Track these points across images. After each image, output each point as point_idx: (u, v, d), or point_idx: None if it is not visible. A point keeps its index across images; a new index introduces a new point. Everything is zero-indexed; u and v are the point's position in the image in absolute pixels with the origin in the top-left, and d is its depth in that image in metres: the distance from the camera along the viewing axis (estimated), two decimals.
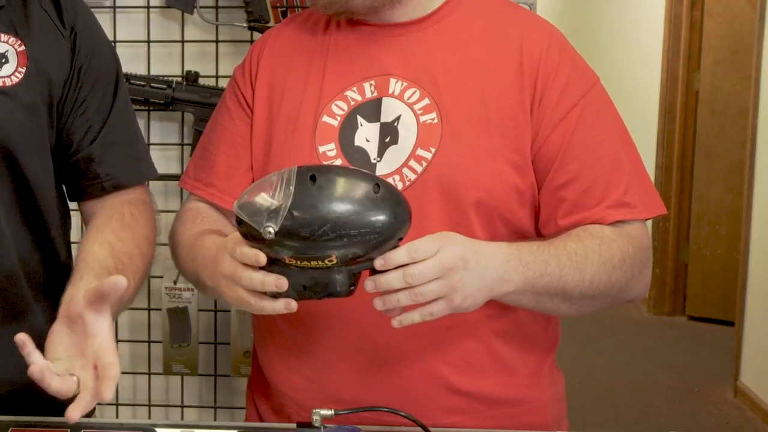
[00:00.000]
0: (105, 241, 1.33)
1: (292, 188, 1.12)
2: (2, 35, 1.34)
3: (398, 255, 1.17)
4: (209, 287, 1.32)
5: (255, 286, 1.19)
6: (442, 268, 1.18)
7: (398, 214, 1.16)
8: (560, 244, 1.31)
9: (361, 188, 1.14)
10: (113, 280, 1.13)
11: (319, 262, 1.15)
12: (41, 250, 1.41)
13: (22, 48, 1.34)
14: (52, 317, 1.32)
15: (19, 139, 1.33)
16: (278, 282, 1.16)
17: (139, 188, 1.47)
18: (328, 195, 1.13)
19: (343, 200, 1.13)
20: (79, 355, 1.15)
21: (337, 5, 1.37)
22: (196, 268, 1.36)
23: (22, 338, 1.12)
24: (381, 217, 1.14)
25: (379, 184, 1.15)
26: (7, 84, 1.32)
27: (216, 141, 1.49)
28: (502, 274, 1.24)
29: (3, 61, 1.33)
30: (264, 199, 1.13)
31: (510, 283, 1.25)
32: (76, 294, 1.19)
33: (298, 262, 1.15)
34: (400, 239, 1.18)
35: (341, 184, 1.14)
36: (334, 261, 1.14)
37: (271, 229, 1.12)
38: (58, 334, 1.17)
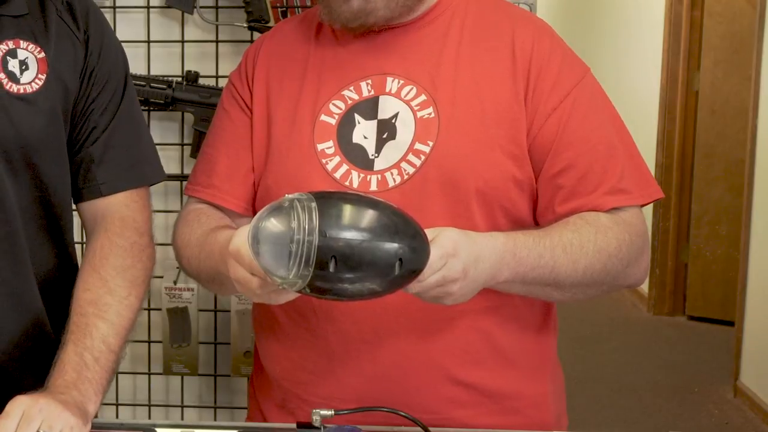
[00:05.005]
0: (100, 322, 1.33)
1: (310, 269, 1.11)
2: (22, 42, 1.35)
3: (411, 288, 1.20)
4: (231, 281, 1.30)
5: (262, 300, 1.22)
6: (443, 280, 1.22)
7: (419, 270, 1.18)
8: (556, 235, 1.33)
9: (385, 266, 1.14)
10: None
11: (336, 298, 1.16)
12: (57, 254, 1.42)
13: (42, 55, 1.35)
14: (58, 316, 1.35)
15: (38, 145, 1.34)
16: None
17: (136, 192, 1.44)
18: (350, 282, 1.13)
19: (365, 284, 1.14)
20: None
21: (360, 20, 1.37)
22: (213, 264, 1.36)
23: None
24: (402, 280, 1.16)
25: (402, 259, 1.14)
26: (27, 91, 1.33)
27: (216, 143, 1.49)
28: (494, 273, 1.28)
29: (24, 68, 1.34)
30: (281, 268, 1.11)
31: (500, 278, 1.29)
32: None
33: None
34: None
35: (364, 275, 1.13)
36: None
37: (285, 286, 1.14)
38: None
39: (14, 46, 1.34)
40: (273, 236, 1.11)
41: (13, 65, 1.33)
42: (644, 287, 5.29)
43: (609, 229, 1.35)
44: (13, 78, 1.33)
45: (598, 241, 1.34)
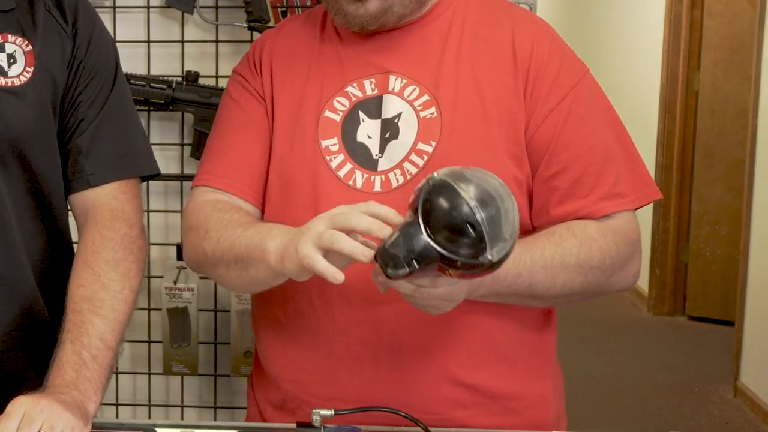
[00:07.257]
0: (97, 318, 1.33)
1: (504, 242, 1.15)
2: (10, 36, 1.36)
3: (404, 288, 1.21)
4: (257, 261, 1.29)
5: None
6: (449, 296, 1.24)
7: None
8: (538, 251, 1.33)
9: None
10: None
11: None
12: (50, 243, 1.43)
13: (30, 48, 1.36)
14: (55, 304, 1.35)
15: (28, 137, 1.35)
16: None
17: (125, 184, 1.43)
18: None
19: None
20: None
21: (380, 20, 1.38)
22: (260, 240, 1.31)
23: None
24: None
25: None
26: (15, 84, 1.35)
27: (226, 133, 1.47)
28: (471, 291, 1.29)
29: (11, 61, 1.35)
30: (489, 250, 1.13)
31: (475, 294, 1.31)
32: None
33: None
34: None
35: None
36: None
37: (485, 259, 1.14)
38: None
39: (2, 40, 1.35)
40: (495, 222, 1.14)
41: (1, 59, 1.35)
42: (644, 287, 5.29)
43: (594, 241, 1.36)
44: (0, 71, 1.34)
45: (581, 254, 1.34)
